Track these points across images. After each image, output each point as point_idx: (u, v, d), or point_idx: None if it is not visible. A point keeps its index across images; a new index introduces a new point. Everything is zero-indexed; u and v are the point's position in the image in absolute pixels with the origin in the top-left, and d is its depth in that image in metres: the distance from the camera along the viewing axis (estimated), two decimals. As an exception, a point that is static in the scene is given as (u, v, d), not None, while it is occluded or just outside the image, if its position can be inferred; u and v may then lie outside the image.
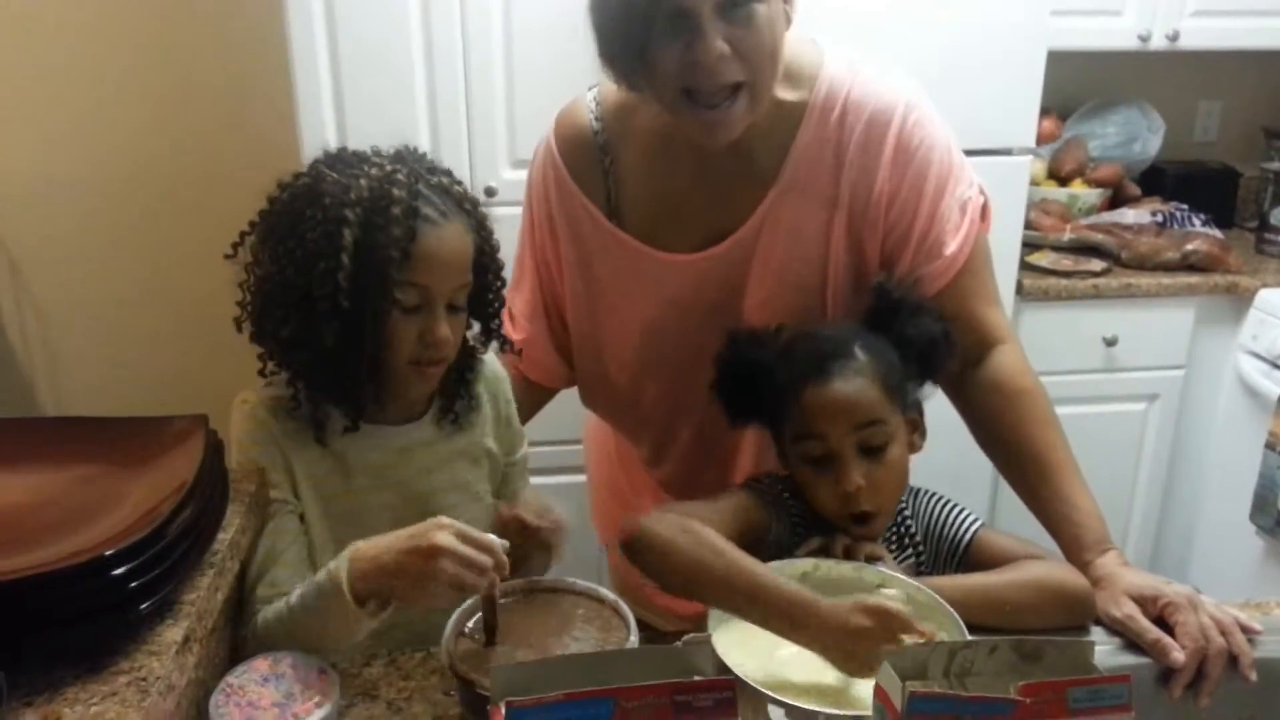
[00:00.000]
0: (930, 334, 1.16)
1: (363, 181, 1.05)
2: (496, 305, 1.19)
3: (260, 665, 0.91)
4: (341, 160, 1.10)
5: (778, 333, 1.18)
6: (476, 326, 1.20)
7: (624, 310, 1.32)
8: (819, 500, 1.13)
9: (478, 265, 1.14)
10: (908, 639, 0.89)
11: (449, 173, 1.14)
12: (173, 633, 0.86)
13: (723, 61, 1.08)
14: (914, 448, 1.17)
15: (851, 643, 0.91)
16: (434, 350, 1.10)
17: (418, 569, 0.93)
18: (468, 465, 1.21)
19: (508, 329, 1.31)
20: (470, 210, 1.12)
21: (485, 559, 0.94)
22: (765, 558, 1.04)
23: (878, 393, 1.11)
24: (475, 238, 1.12)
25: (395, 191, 1.05)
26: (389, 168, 1.07)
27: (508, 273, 1.21)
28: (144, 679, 0.81)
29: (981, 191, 1.27)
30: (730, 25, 1.07)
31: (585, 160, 1.29)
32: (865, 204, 1.22)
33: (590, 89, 1.30)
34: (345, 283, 1.03)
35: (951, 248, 1.22)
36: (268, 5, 1.97)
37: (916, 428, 1.17)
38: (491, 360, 1.27)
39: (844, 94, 1.21)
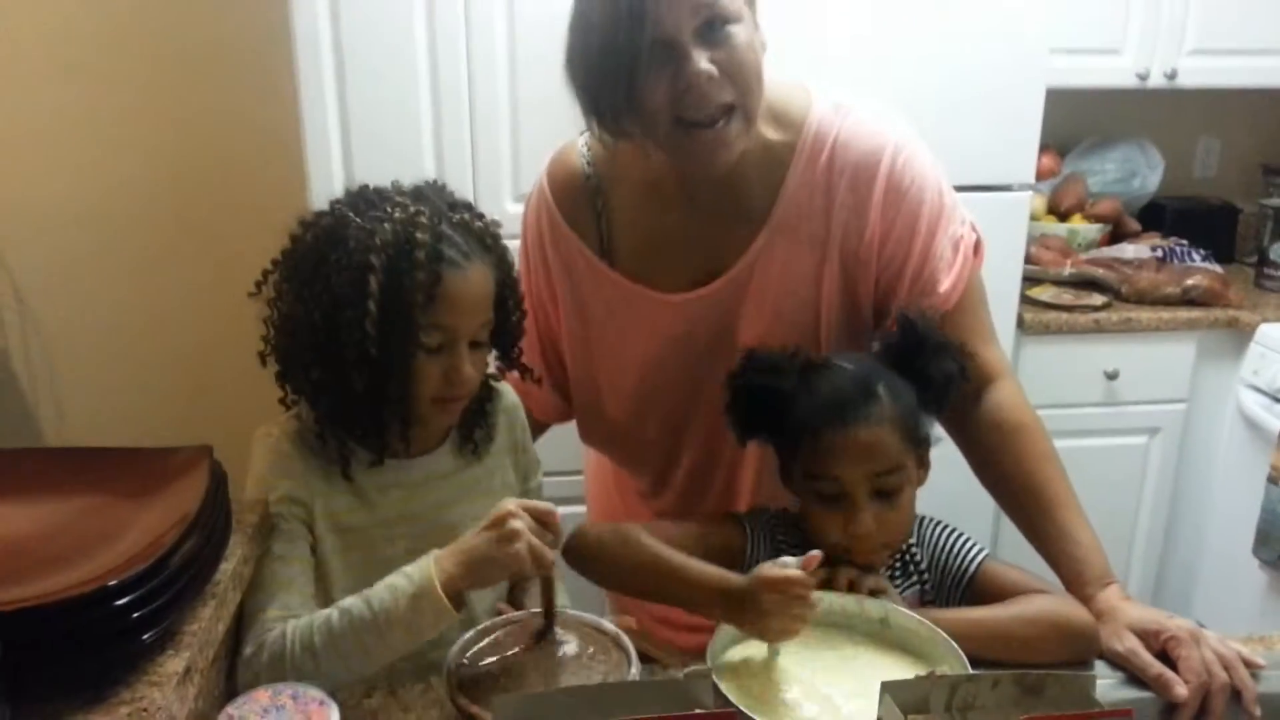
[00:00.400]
0: (949, 373, 1.15)
1: (386, 225, 1.06)
2: (517, 335, 1.21)
3: (260, 696, 0.90)
4: (364, 199, 1.11)
5: (794, 356, 1.17)
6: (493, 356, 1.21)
7: (620, 349, 1.33)
8: (824, 534, 1.12)
9: (499, 299, 1.15)
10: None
11: (470, 206, 1.15)
12: (174, 663, 0.85)
13: (712, 82, 1.09)
14: (919, 481, 1.16)
15: (769, 620, 0.97)
16: (458, 388, 1.12)
17: (498, 536, 0.99)
18: (486, 495, 1.22)
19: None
20: (492, 245, 1.14)
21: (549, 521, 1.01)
22: None
23: (897, 439, 1.10)
24: (497, 274, 1.14)
25: (419, 235, 1.05)
26: (412, 209, 1.07)
27: None
28: (145, 710, 0.80)
29: (974, 228, 1.28)
30: (712, 49, 1.09)
31: (578, 203, 1.30)
32: (857, 245, 1.23)
33: (582, 133, 1.31)
34: (372, 330, 1.04)
35: (945, 285, 1.23)
36: (275, 38, 2.00)
37: (923, 462, 1.17)
38: (507, 389, 1.28)
39: (832, 136, 1.22)
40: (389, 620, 0.99)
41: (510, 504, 1.00)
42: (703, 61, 1.08)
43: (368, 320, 1.04)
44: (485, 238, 1.13)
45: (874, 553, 1.11)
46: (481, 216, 1.15)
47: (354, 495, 1.14)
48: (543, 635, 1.02)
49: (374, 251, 1.04)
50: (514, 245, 1.30)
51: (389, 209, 1.08)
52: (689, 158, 1.17)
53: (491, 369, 1.24)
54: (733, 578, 1.01)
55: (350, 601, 1.01)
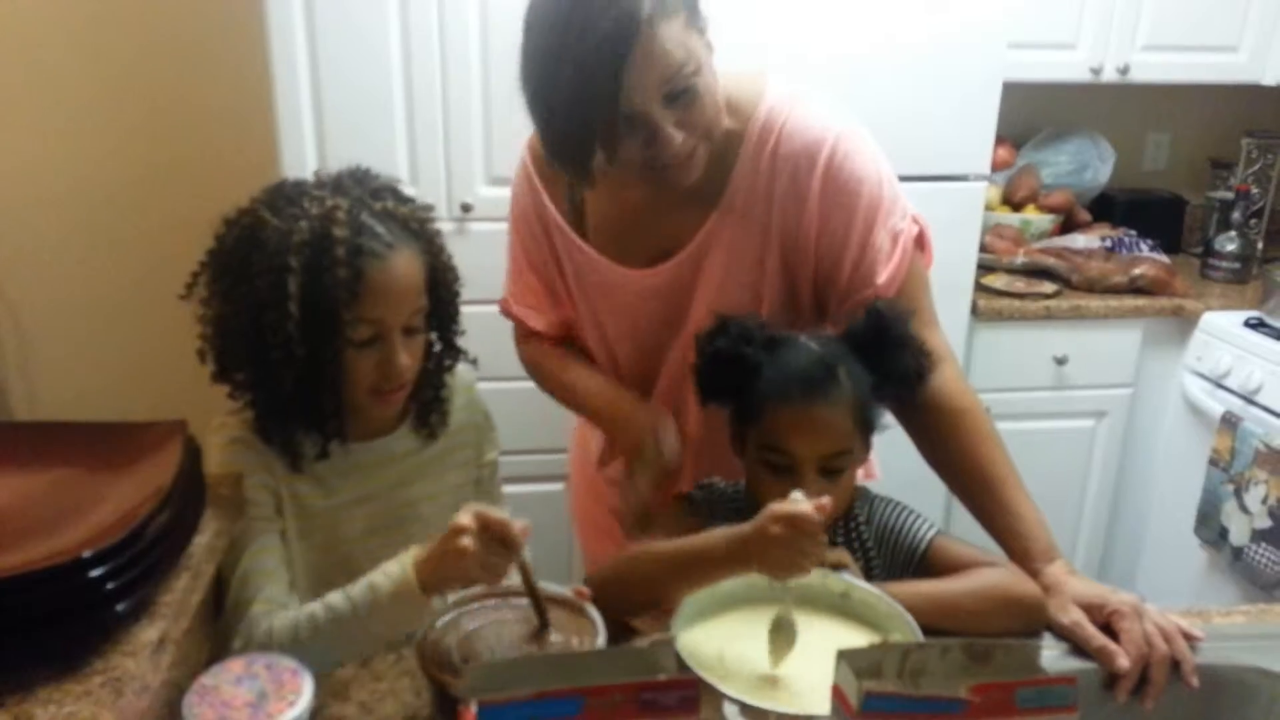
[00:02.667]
0: (905, 369, 1.18)
1: (303, 224, 1.04)
2: (453, 315, 1.21)
3: (234, 666, 0.91)
4: (282, 196, 1.09)
5: (763, 327, 1.20)
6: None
7: (590, 314, 1.39)
8: (766, 501, 1.14)
9: (431, 282, 1.14)
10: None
11: (395, 191, 1.13)
12: (148, 633, 0.86)
13: (684, 144, 1.13)
14: (860, 461, 1.20)
15: (777, 550, 0.95)
16: (393, 379, 1.11)
17: (447, 551, 0.97)
18: (443, 473, 1.24)
19: (533, 321, 1.40)
20: (418, 230, 1.12)
21: (505, 537, 0.97)
22: None
23: (851, 424, 1.14)
24: (426, 258, 1.12)
25: (336, 231, 1.04)
26: (329, 203, 1.06)
27: (487, 284, 1.24)
28: (118, 679, 0.81)
29: (915, 221, 1.30)
30: (678, 110, 1.12)
31: (554, 179, 1.34)
32: (795, 233, 1.26)
33: None
34: (295, 331, 1.04)
35: (883, 277, 1.26)
36: (250, 22, 1.98)
37: (867, 445, 1.20)
38: (462, 368, 1.28)
39: (779, 125, 1.24)
40: (370, 616, 1.01)
41: (464, 518, 0.97)
42: (673, 132, 1.11)
43: (290, 322, 1.03)
44: (410, 222, 1.11)
45: None
46: (408, 200, 1.13)
47: (314, 480, 1.15)
48: (541, 630, 1.00)
49: (291, 252, 1.03)
50: (488, 228, 1.31)
51: (306, 204, 1.06)
52: (657, 183, 1.21)
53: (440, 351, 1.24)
54: (740, 526, 1.00)
55: (334, 597, 1.03)
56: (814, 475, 1.13)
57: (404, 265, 1.08)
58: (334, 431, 1.13)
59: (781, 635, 0.98)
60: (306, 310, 1.03)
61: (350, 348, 1.07)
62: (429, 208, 1.18)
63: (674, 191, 1.26)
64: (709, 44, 1.16)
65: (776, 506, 0.96)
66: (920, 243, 1.30)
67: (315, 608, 1.03)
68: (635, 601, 1.10)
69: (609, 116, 1.08)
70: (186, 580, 0.93)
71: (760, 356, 1.16)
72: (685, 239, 1.29)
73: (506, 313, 1.47)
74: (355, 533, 1.17)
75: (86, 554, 0.82)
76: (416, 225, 1.12)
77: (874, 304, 1.20)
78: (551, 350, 1.44)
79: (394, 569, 1.01)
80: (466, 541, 0.96)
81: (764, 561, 0.97)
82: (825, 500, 0.97)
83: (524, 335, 1.48)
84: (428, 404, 1.22)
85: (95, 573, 0.83)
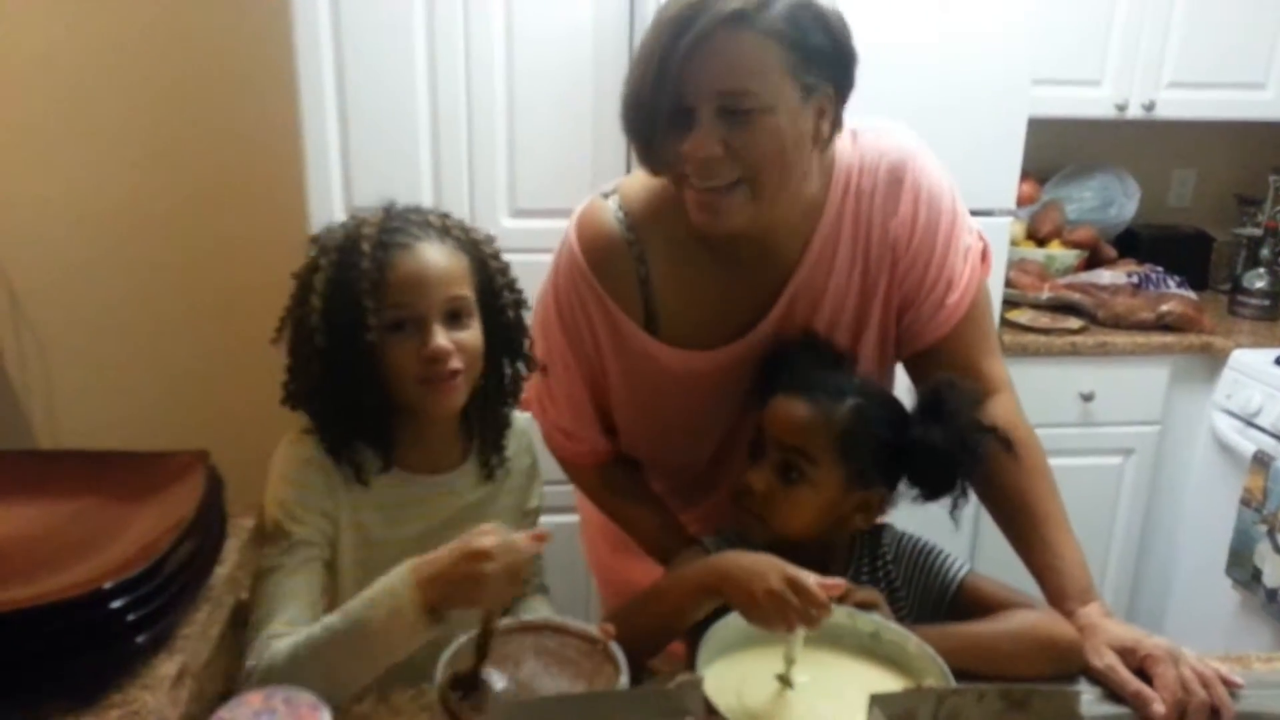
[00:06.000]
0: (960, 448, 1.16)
1: (339, 231, 1.13)
2: (514, 341, 1.22)
3: (253, 700, 0.90)
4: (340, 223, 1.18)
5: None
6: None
7: (667, 409, 1.32)
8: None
9: (482, 284, 1.16)
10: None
11: (445, 214, 1.19)
12: (167, 666, 0.86)
13: (714, 161, 1.09)
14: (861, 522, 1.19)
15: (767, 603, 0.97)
16: (438, 364, 1.11)
17: (467, 574, 0.96)
18: (493, 515, 1.22)
19: (586, 460, 1.38)
20: (461, 237, 1.16)
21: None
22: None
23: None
24: (467, 257, 1.15)
25: (365, 230, 1.11)
26: (368, 216, 1.14)
27: None
28: (136, 713, 0.81)
29: (980, 236, 1.30)
30: (731, 129, 1.08)
31: (619, 272, 1.24)
32: (893, 261, 1.25)
33: (608, 195, 1.27)
34: (319, 321, 1.10)
35: (954, 297, 1.25)
36: (278, 53, 2.01)
37: (860, 508, 1.18)
38: (517, 413, 1.30)
39: (856, 166, 1.22)
40: (366, 633, 0.98)
41: (488, 540, 0.96)
42: (711, 140, 1.08)
43: (313, 315, 1.09)
44: (452, 229, 1.16)
45: None
46: (448, 215, 1.19)
47: (379, 509, 1.17)
48: (475, 667, 0.96)
49: (324, 254, 1.11)
50: (511, 260, 1.30)
51: (349, 221, 1.15)
52: (691, 213, 1.16)
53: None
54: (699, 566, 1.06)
55: (331, 617, 1.01)
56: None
57: (433, 254, 1.12)
58: (393, 433, 1.16)
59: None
60: (330, 302, 1.10)
61: (386, 337, 1.10)
62: (489, 237, 1.21)
63: (751, 268, 1.24)
64: (832, 121, 1.14)
65: (788, 570, 0.98)
66: (983, 257, 1.30)
67: (314, 628, 1.01)
68: (642, 643, 1.08)
69: (660, 104, 1.08)
70: (207, 612, 0.93)
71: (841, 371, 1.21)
72: (766, 308, 1.25)
73: (542, 417, 1.39)
74: None
75: (108, 585, 0.82)
76: (459, 233, 1.16)
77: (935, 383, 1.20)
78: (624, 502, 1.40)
79: (389, 582, 0.98)
80: (490, 568, 0.95)
81: (749, 611, 0.99)
82: (837, 580, 0.99)
83: (577, 466, 1.42)
84: (489, 442, 1.24)
85: (116, 604, 0.82)
